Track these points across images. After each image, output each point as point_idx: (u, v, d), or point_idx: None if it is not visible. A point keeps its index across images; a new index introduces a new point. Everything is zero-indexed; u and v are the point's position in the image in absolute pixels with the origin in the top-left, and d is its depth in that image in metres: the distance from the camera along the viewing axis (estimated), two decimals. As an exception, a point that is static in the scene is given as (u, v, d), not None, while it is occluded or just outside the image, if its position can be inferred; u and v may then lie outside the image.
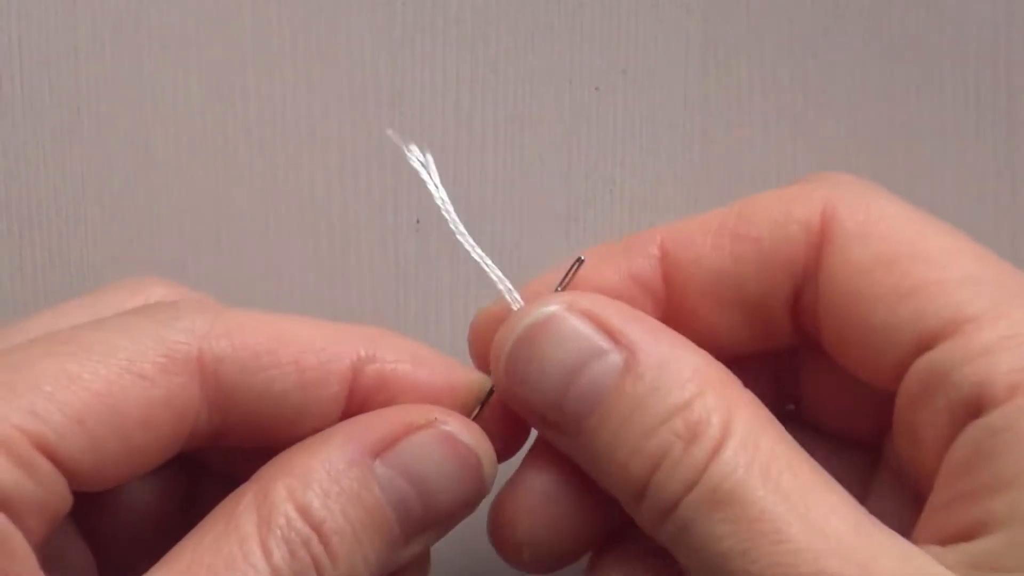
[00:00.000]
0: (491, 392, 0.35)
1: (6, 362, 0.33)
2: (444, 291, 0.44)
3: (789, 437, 0.33)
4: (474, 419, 0.35)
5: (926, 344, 0.33)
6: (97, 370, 0.33)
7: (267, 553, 0.32)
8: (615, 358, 0.33)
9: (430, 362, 0.35)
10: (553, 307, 0.34)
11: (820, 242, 0.35)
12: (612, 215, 0.45)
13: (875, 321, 0.34)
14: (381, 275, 0.44)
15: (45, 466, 0.32)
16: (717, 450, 0.32)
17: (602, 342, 0.34)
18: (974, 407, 0.32)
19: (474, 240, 0.38)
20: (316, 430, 0.34)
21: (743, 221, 0.36)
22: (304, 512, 0.32)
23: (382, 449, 0.34)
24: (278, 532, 0.32)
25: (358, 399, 0.35)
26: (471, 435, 0.34)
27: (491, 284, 0.36)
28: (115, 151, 0.44)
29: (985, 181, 0.45)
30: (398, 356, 0.35)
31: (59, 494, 0.32)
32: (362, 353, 0.35)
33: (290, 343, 0.35)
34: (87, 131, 0.44)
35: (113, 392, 0.33)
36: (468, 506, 0.34)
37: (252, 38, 0.44)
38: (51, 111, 0.44)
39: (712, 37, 0.45)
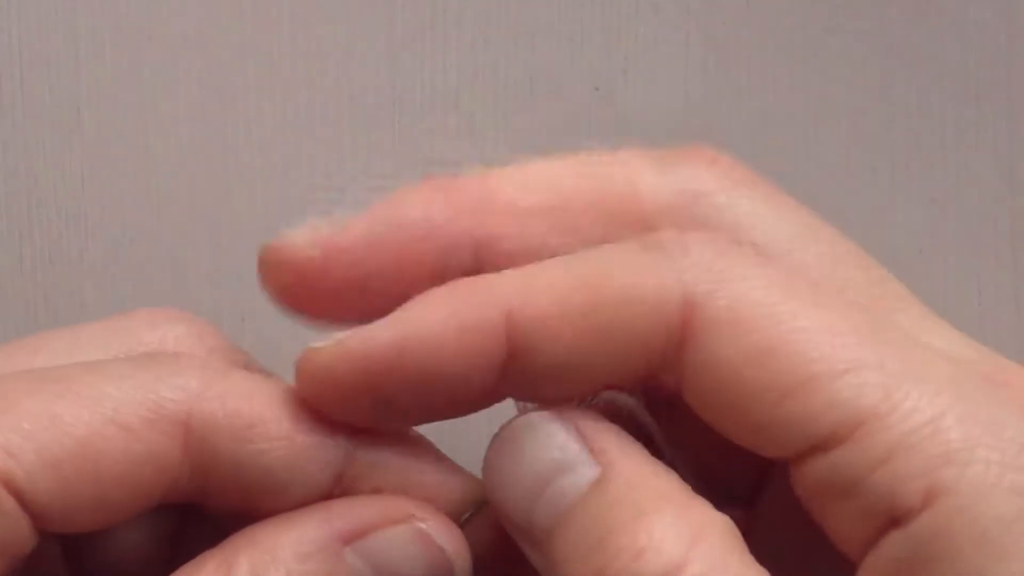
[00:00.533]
0: (484, 502, 0.34)
1: None
2: (444, 291, 0.44)
3: (757, 566, 0.31)
4: (461, 525, 0.34)
5: (819, 448, 0.31)
6: (81, 415, 0.33)
7: None
8: (589, 471, 0.32)
9: (426, 458, 0.34)
10: (535, 415, 0.33)
11: (681, 334, 0.33)
12: (612, 215, 0.45)
13: (755, 420, 0.32)
14: (381, 275, 0.44)
15: (8, 504, 0.32)
16: (671, 574, 0.30)
17: (580, 453, 0.32)
18: (890, 516, 0.30)
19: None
20: (298, 506, 0.34)
21: (594, 298, 0.33)
22: None
23: (354, 537, 0.33)
24: None
25: (345, 482, 0.34)
26: (449, 539, 0.33)
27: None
28: (115, 151, 0.44)
29: (985, 181, 0.45)
30: (394, 446, 0.34)
31: (19, 534, 0.32)
32: (358, 440, 0.34)
33: (287, 419, 0.34)
34: (87, 131, 0.44)
35: (94, 441, 0.32)
36: None
37: (252, 38, 0.44)
38: (51, 111, 0.44)
39: (712, 37, 0.45)
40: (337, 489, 0.34)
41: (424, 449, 0.35)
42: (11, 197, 0.44)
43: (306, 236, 0.35)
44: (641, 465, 0.32)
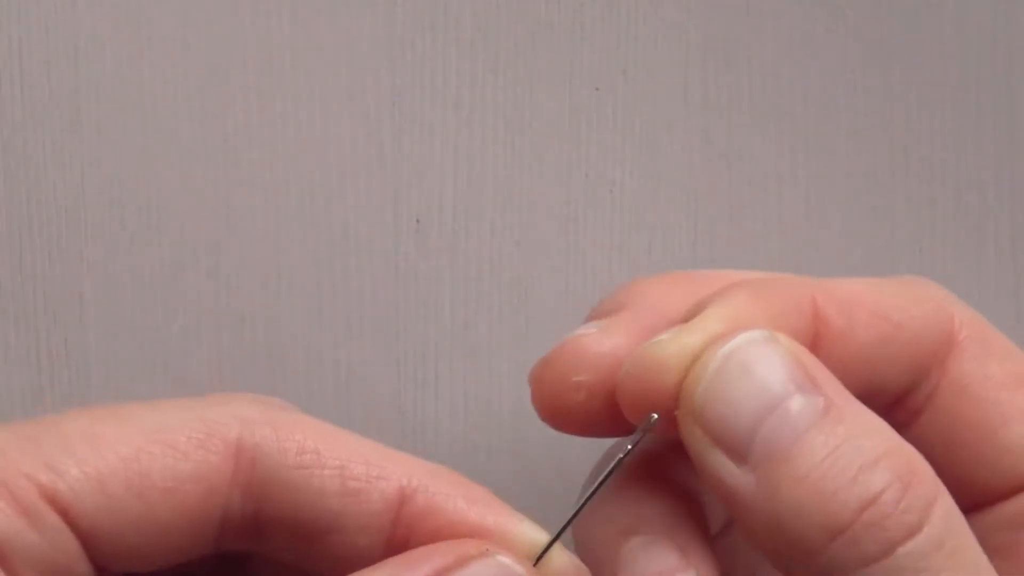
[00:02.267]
0: (550, 544, 0.34)
1: (41, 421, 0.33)
2: (444, 291, 0.44)
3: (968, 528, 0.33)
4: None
5: None
6: (125, 434, 0.32)
7: None
8: (816, 400, 0.32)
9: (485, 503, 0.34)
10: (757, 334, 0.33)
11: (949, 349, 0.35)
12: (612, 215, 0.45)
13: (1003, 441, 0.34)
14: (381, 275, 0.44)
15: (52, 519, 0.31)
16: (934, 501, 0.31)
17: (803, 381, 0.33)
18: None
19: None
20: (355, 548, 0.33)
21: (883, 302, 0.35)
22: None
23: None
24: None
25: (403, 527, 0.33)
26: (528, 570, 0.33)
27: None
28: (115, 151, 0.44)
29: (985, 181, 0.45)
30: (452, 491, 0.34)
31: (67, 552, 0.32)
32: (414, 482, 0.34)
33: (339, 449, 0.33)
34: (87, 131, 0.44)
35: (139, 458, 0.32)
36: None
37: (252, 38, 0.44)
38: (51, 111, 0.44)
39: (712, 37, 0.45)
40: (397, 535, 0.33)
41: (479, 490, 0.34)
42: (11, 197, 0.44)
43: (571, 357, 0.35)
44: (855, 404, 0.33)
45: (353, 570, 0.33)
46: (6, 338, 0.43)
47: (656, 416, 0.34)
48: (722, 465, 0.32)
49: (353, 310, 0.44)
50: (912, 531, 0.31)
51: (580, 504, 0.35)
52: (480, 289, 0.44)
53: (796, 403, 0.32)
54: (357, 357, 0.44)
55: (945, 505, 0.32)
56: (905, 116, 0.45)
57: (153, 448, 0.32)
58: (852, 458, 0.31)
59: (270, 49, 0.44)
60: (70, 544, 0.32)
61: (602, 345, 0.35)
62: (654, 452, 0.36)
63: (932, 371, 0.35)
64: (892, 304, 0.35)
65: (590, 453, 0.45)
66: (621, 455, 0.35)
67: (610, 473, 0.35)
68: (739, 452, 0.32)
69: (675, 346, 0.34)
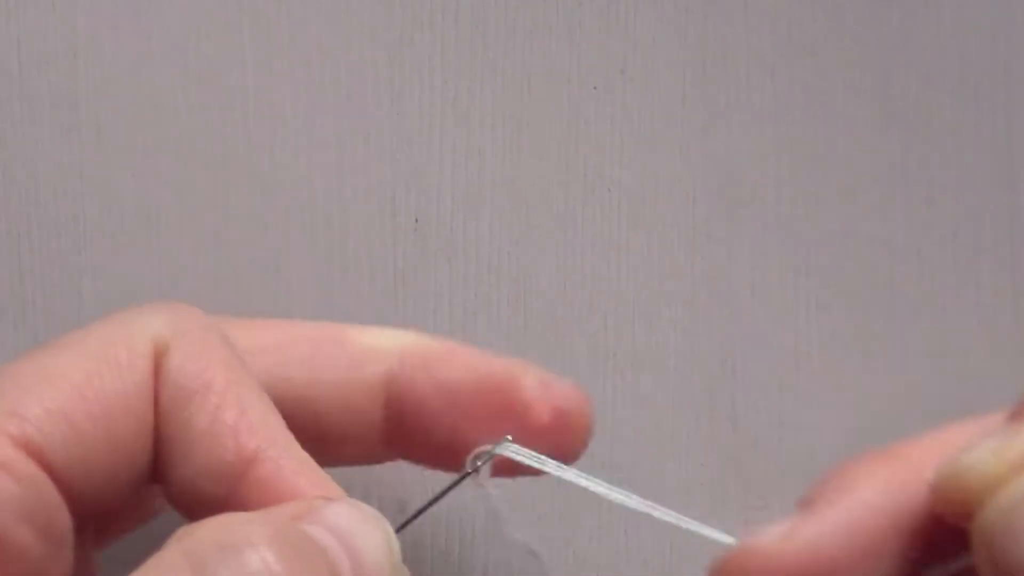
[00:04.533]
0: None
1: None
2: (444, 291, 0.44)
3: None
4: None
5: None
6: (71, 361, 0.33)
7: None
8: None
9: (330, 491, 0.35)
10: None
11: None
12: (612, 215, 0.45)
13: None
14: (380, 275, 0.44)
15: (27, 466, 0.32)
16: None
17: None
18: None
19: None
20: (197, 492, 0.34)
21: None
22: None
23: (302, 519, 0.33)
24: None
25: (244, 486, 0.34)
26: (372, 511, 0.34)
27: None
28: (115, 151, 0.44)
29: (985, 181, 0.45)
30: (303, 472, 0.35)
31: (47, 500, 0.32)
32: (271, 450, 0.35)
33: (227, 391, 0.35)
34: (87, 131, 0.44)
35: (92, 382, 0.33)
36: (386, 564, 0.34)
37: (252, 38, 0.44)
38: (51, 111, 0.44)
39: (712, 37, 0.45)
40: (239, 489, 0.34)
41: (333, 487, 0.35)
42: (11, 197, 0.44)
43: (766, 550, 0.35)
44: None
45: (199, 509, 0.34)
46: (5, 338, 0.43)
47: (510, 437, 0.36)
48: None
49: (352, 310, 0.44)
50: None
51: (429, 502, 0.37)
52: (480, 289, 0.44)
53: None
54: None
55: None
56: (905, 116, 0.45)
57: (100, 368, 0.33)
58: None
59: (270, 49, 0.44)
60: (48, 491, 0.32)
61: (783, 558, 0.34)
62: None
63: None
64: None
65: (587, 452, 0.45)
66: (478, 463, 0.36)
67: (463, 477, 0.37)
68: None
69: (990, 467, 0.33)
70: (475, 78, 0.44)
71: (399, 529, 0.36)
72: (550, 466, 0.37)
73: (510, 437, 0.37)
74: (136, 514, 0.38)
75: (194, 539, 0.31)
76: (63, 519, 0.33)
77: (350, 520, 0.34)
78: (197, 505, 0.35)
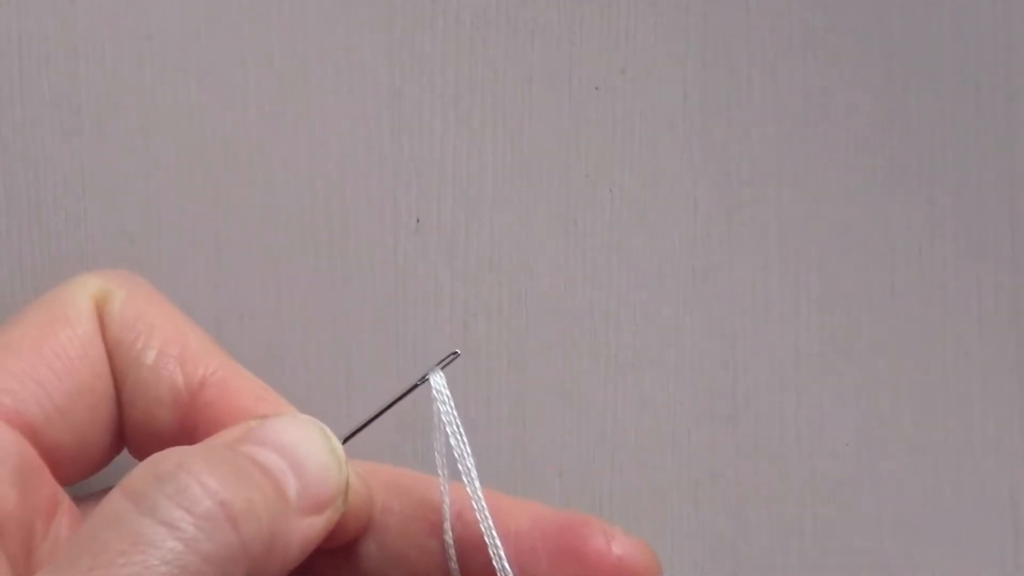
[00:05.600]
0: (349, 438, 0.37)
1: None
2: (444, 291, 0.44)
3: None
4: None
5: None
6: (24, 325, 0.36)
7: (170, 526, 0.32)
8: None
9: (274, 404, 0.38)
10: None
11: None
12: (612, 215, 0.45)
13: None
14: (381, 275, 0.44)
15: (14, 437, 0.34)
16: None
17: None
18: None
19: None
20: (150, 421, 0.37)
21: None
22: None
23: (241, 442, 0.35)
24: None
25: (195, 411, 0.37)
26: (309, 419, 0.36)
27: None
28: (115, 151, 0.44)
29: (985, 181, 0.45)
30: (247, 389, 0.37)
31: (27, 459, 0.34)
32: (219, 373, 0.37)
33: (169, 330, 0.38)
34: (87, 131, 0.44)
35: (47, 339, 0.35)
36: (331, 482, 0.35)
37: (252, 38, 0.44)
38: (51, 111, 0.44)
39: (712, 37, 0.45)
40: (190, 414, 0.37)
41: (274, 397, 0.38)
42: (11, 197, 0.44)
43: None
44: None
45: (154, 444, 0.36)
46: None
47: (459, 352, 0.37)
48: None
49: (353, 309, 0.44)
50: None
51: (379, 411, 0.38)
52: (480, 289, 0.44)
53: None
54: (357, 356, 0.44)
55: None
56: (905, 116, 0.45)
57: (51, 328, 0.36)
58: None
59: (270, 49, 0.44)
60: (28, 451, 0.34)
61: None
62: None
63: None
64: None
65: (588, 452, 0.45)
66: (421, 379, 0.38)
67: (410, 390, 0.38)
68: None
69: None
70: (476, 78, 0.44)
71: (349, 437, 0.37)
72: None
73: (458, 351, 0.38)
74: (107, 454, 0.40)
75: (131, 476, 0.32)
76: (44, 474, 0.35)
77: (289, 433, 0.35)
78: (154, 440, 0.37)
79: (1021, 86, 0.45)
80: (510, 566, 0.36)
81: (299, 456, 0.35)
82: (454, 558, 0.37)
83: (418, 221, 0.44)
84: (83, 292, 0.38)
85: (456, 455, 0.38)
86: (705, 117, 0.45)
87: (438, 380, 0.38)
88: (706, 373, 0.45)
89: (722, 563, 0.45)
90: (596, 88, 0.45)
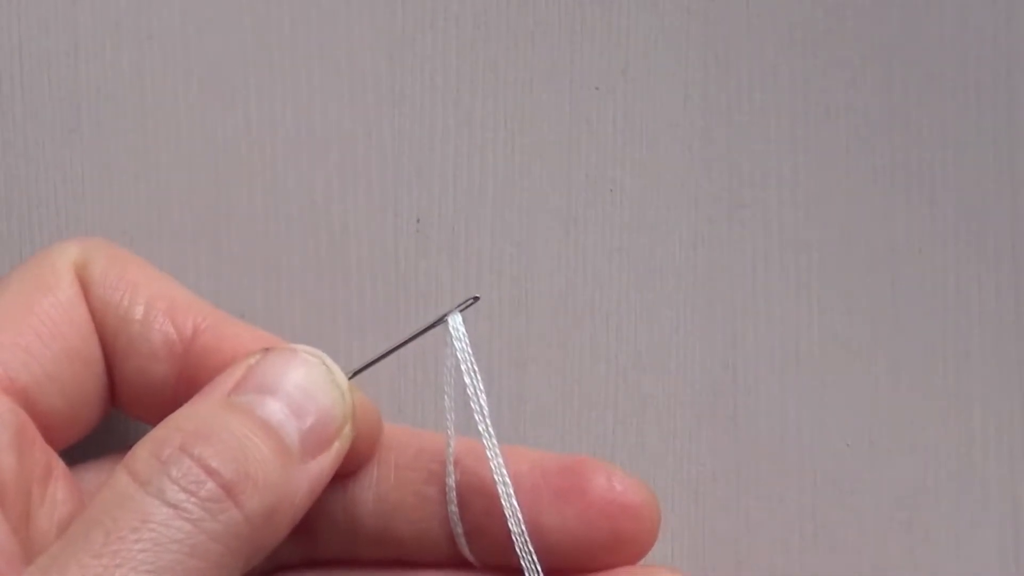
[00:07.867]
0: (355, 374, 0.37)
1: None
2: (444, 291, 0.44)
3: None
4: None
5: None
6: (9, 300, 0.36)
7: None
8: None
9: (268, 340, 0.38)
10: None
11: None
12: (612, 215, 0.45)
13: None
14: (381, 275, 0.44)
15: (9, 405, 0.34)
16: None
17: None
18: None
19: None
20: (148, 376, 0.37)
21: None
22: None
23: (239, 388, 0.35)
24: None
25: (193, 359, 0.37)
26: (309, 350, 0.36)
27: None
28: (115, 151, 0.44)
29: (985, 181, 0.45)
30: (239, 331, 0.38)
31: (21, 425, 0.34)
32: (208, 320, 0.38)
33: (153, 287, 0.38)
34: (87, 131, 0.44)
35: (31, 306, 0.36)
36: (336, 415, 0.36)
37: (252, 38, 0.44)
38: (51, 111, 0.44)
39: (712, 37, 0.45)
40: (188, 363, 0.37)
41: (266, 336, 0.39)
42: (11, 197, 0.44)
43: None
44: None
45: (151, 399, 0.37)
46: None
47: (479, 296, 0.38)
48: None
49: (353, 309, 0.44)
50: None
51: (392, 347, 0.39)
52: (480, 289, 0.44)
53: None
54: (357, 356, 0.44)
55: None
56: (905, 116, 0.45)
57: (34, 295, 0.36)
58: None
59: (270, 49, 0.44)
60: (23, 417, 0.35)
61: None
62: None
63: None
64: None
65: (588, 452, 0.45)
66: (436, 320, 0.38)
67: (428, 328, 0.38)
68: None
69: None
70: (476, 78, 0.44)
71: (356, 373, 0.37)
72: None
73: (478, 295, 0.38)
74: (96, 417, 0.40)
75: (135, 458, 0.33)
76: (39, 440, 0.35)
77: (290, 371, 0.35)
78: (152, 395, 0.37)
79: (1021, 86, 0.45)
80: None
81: (301, 396, 0.35)
82: (455, 500, 0.37)
83: (418, 221, 0.44)
84: (63, 258, 0.38)
85: (469, 393, 0.38)
86: (706, 117, 0.45)
87: (456, 320, 0.38)
88: (706, 373, 0.45)
89: (722, 563, 0.45)
90: (596, 88, 0.45)
